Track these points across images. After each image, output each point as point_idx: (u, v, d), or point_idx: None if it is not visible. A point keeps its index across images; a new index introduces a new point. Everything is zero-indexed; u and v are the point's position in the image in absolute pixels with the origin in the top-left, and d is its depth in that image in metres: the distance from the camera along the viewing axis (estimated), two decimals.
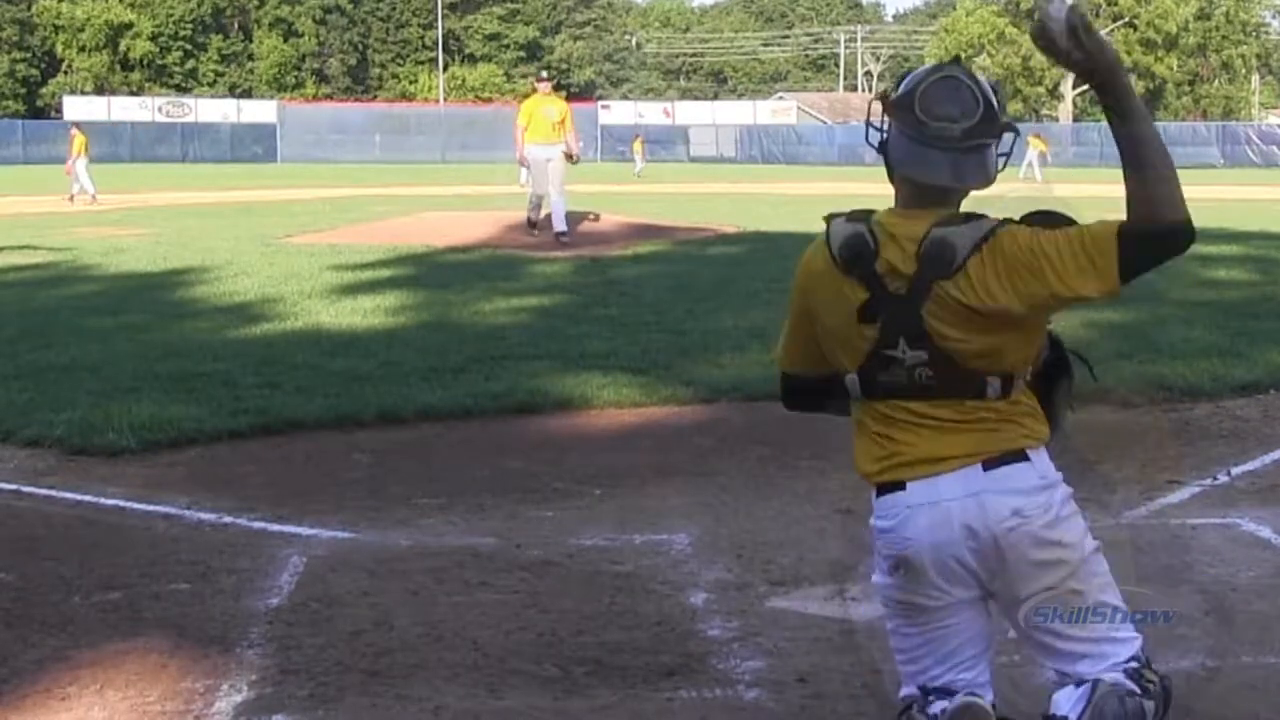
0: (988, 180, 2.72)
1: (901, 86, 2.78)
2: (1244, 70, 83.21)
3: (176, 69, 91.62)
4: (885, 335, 2.70)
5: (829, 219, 2.82)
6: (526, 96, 17.98)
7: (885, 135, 2.81)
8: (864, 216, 2.76)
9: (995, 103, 2.71)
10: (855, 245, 2.72)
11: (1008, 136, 2.73)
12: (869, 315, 2.71)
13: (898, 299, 2.68)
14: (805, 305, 2.85)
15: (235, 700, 3.41)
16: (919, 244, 2.67)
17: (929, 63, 3.35)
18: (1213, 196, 30.32)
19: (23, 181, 39.70)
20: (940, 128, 2.68)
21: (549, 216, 16.54)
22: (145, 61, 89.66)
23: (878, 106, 2.81)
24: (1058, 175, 39.47)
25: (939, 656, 2.76)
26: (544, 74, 18.25)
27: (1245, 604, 4.09)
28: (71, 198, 28.14)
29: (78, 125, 32.25)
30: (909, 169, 2.72)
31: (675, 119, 78.03)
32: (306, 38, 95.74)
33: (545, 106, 16.51)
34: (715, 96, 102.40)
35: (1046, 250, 2.60)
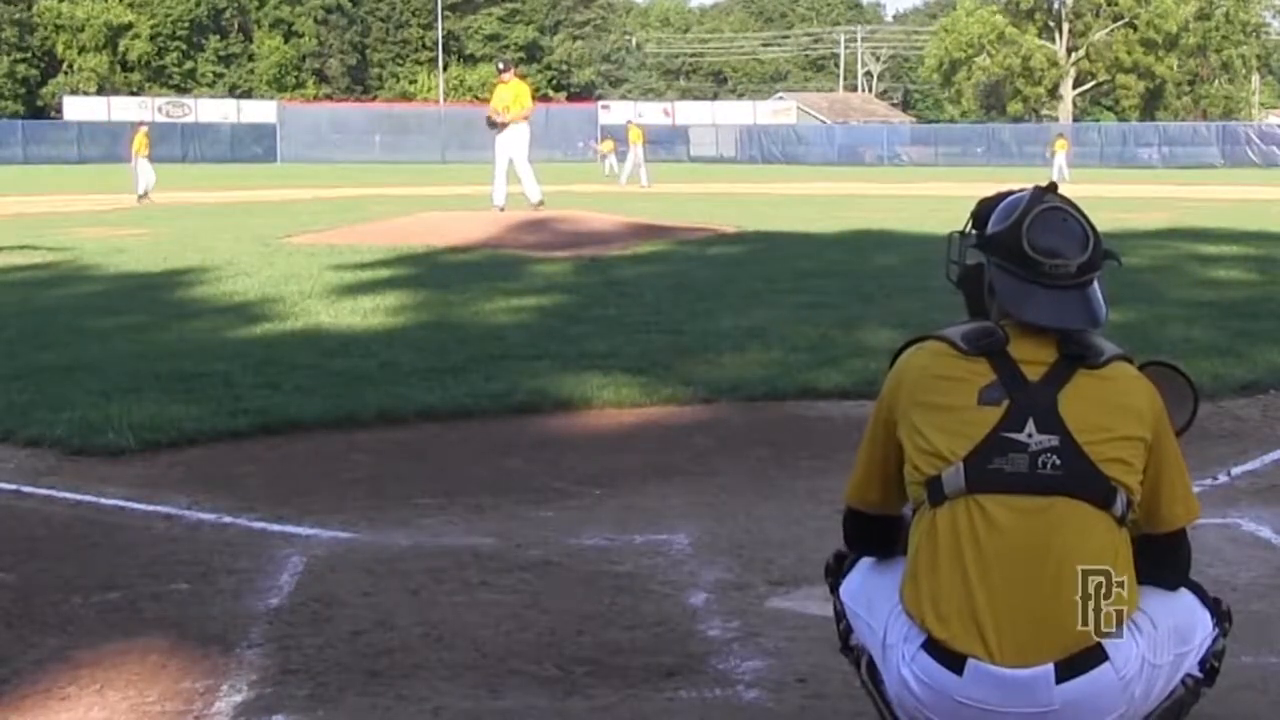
0: (1102, 319, 2.56)
1: (995, 220, 2.62)
2: (1244, 70, 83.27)
3: (175, 69, 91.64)
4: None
5: (915, 341, 2.67)
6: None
7: (963, 267, 2.71)
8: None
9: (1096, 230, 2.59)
10: (984, 330, 2.57)
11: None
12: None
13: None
14: (892, 416, 2.62)
15: (235, 700, 3.41)
16: (1058, 340, 2.53)
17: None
18: (1213, 196, 30.32)
19: (23, 181, 39.69)
20: (1055, 266, 2.51)
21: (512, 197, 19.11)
22: (144, 62, 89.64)
23: (959, 236, 2.71)
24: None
25: None
26: (500, 64, 21.28)
27: (1245, 604, 4.08)
28: (145, 195, 28.10)
29: (144, 124, 32.57)
30: (1023, 313, 2.54)
31: (675, 119, 78.05)
32: (306, 38, 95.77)
33: (503, 93, 19.31)
34: (715, 96, 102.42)
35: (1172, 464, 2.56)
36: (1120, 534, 2.49)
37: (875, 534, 2.75)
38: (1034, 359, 2.52)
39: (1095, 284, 2.58)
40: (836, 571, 2.86)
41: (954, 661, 2.41)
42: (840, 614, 2.81)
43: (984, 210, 2.70)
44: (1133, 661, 2.45)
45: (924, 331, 2.72)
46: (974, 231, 2.72)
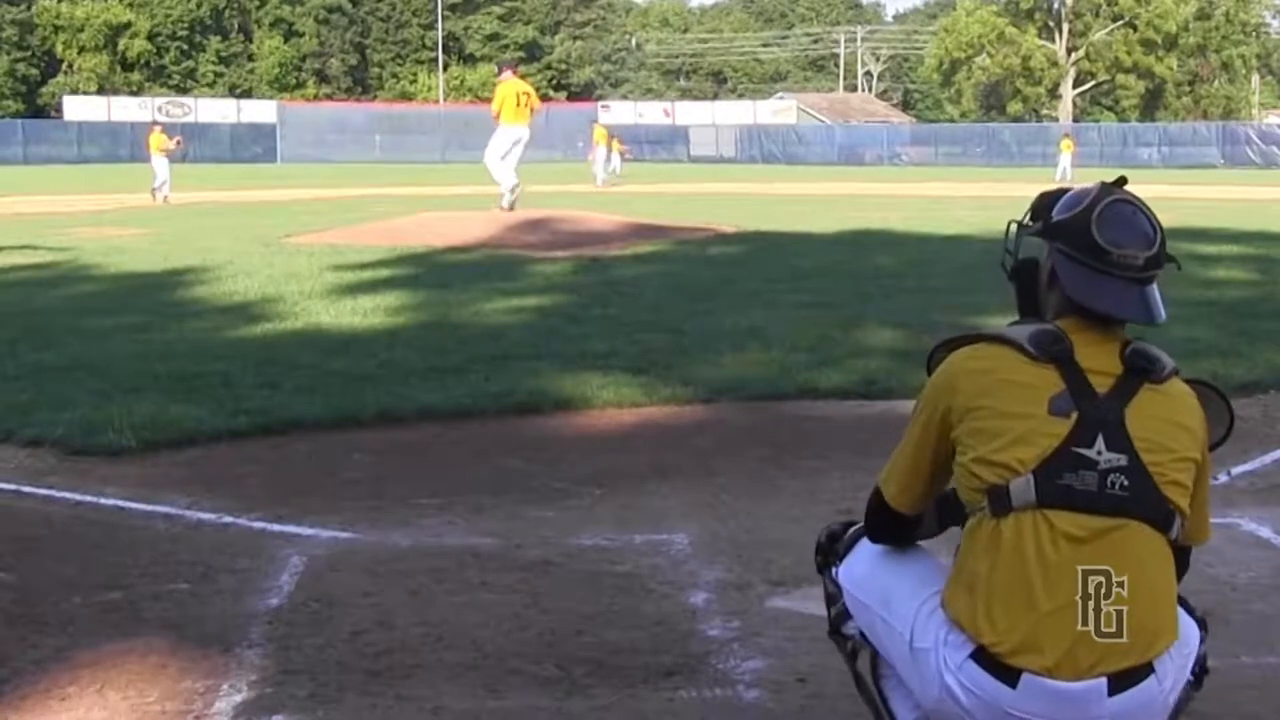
0: (1161, 317, 2.53)
1: (1061, 208, 2.58)
2: (1244, 70, 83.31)
3: (174, 69, 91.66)
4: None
5: (966, 340, 2.60)
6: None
7: (1018, 260, 2.68)
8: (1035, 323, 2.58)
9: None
10: (1052, 336, 2.51)
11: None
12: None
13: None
14: (949, 419, 2.53)
15: (235, 700, 3.41)
16: (1120, 351, 2.50)
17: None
18: (1213, 196, 30.35)
19: (23, 181, 39.69)
20: (1124, 256, 2.48)
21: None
22: (144, 61, 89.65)
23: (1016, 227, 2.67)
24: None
25: None
26: (497, 66, 21.11)
27: (1245, 604, 4.09)
28: (164, 197, 28.15)
29: (159, 124, 32.46)
30: (1089, 300, 2.50)
31: (675, 119, 78.04)
32: (307, 38, 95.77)
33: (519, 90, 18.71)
34: (715, 96, 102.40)
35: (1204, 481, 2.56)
36: (1170, 555, 2.49)
37: (908, 531, 2.71)
38: (1101, 369, 2.48)
39: (1156, 283, 2.56)
40: (829, 551, 2.83)
41: (1008, 674, 2.38)
42: (835, 597, 2.78)
43: (1045, 202, 2.66)
44: (1171, 673, 2.47)
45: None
46: (1033, 222, 2.68)
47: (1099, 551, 2.41)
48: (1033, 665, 2.38)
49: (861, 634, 2.76)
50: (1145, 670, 2.42)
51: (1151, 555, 2.45)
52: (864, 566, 2.74)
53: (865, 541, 2.77)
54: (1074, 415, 2.43)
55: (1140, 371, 2.50)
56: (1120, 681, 2.39)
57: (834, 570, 2.82)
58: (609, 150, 41.89)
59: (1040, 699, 2.38)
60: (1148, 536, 2.44)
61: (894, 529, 2.72)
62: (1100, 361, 2.49)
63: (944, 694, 2.47)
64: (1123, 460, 2.41)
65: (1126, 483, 2.41)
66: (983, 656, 2.41)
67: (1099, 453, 2.41)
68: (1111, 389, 2.47)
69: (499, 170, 18.81)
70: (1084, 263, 2.51)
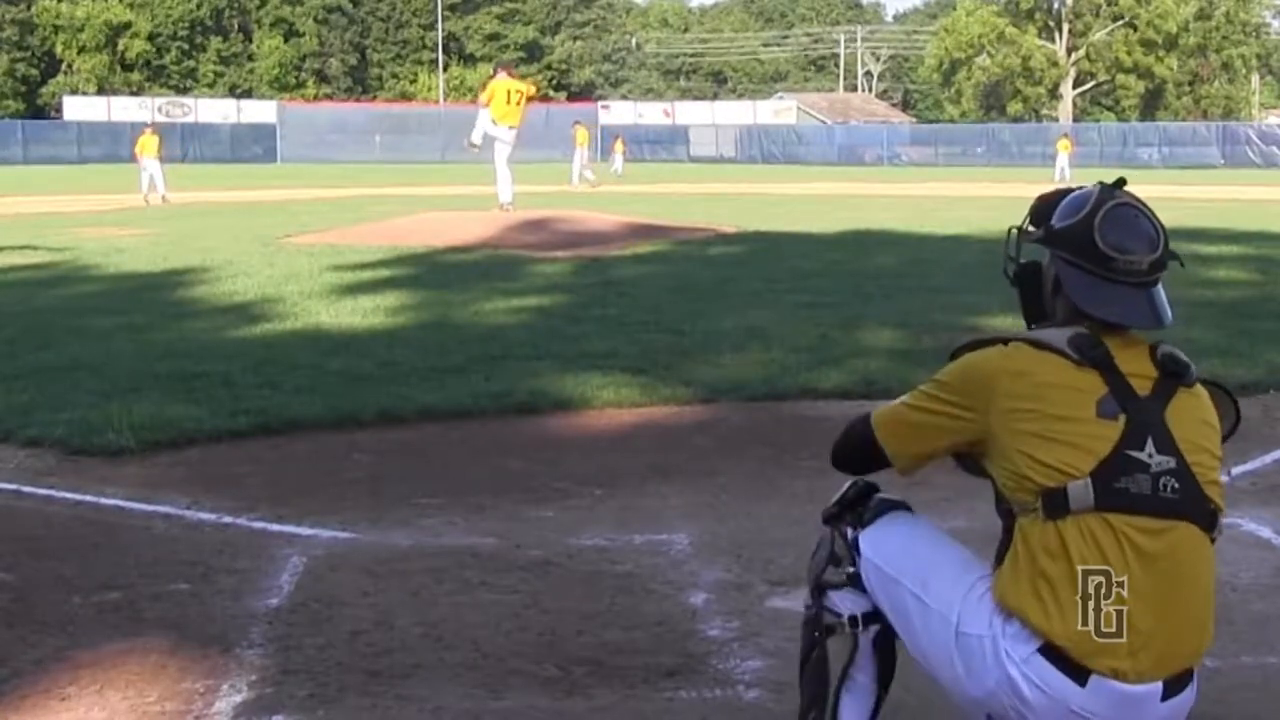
0: (1168, 320, 2.54)
1: (1062, 214, 2.57)
2: (1244, 70, 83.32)
3: (174, 68, 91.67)
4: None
5: (998, 341, 2.58)
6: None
7: (1020, 265, 2.69)
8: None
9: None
10: (1089, 340, 2.50)
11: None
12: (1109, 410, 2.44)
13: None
14: (981, 418, 2.53)
15: (235, 700, 3.41)
16: (1150, 354, 2.51)
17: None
18: (1213, 196, 30.36)
19: (23, 181, 39.68)
20: (1129, 262, 2.49)
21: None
22: (144, 61, 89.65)
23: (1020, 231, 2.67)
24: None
25: None
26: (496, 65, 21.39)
27: (1245, 604, 4.09)
28: (156, 198, 28.04)
29: (149, 126, 32.46)
30: (1096, 309, 2.51)
31: (675, 119, 78.04)
32: (307, 38, 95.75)
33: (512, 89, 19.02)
34: (715, 97, 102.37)
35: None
36: (1213, 556, 2.51)
37: (878, 469, 2.73)
38: (1139, 372, 2.49)
39: (1160, 284, 2.56)
40: (852, 507, 2.77)
41: (1078, 673, 2.40)
42: (839, 558, 2.75)
43: (1044, 206, 2.65)
44: (1196, 673, 2.51)
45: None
46: (1033, 228, 2.67)
47: (1157, 555, 2.42)
48: (1104, 667, 2.39)
49: (851, 619, 2.73)
50: (1190, 674, 2.46)
51: (1200, 556, 2.47)
52: (895, 542, 2.70)
53: (894, 516, 2.74)
54: (1122, 418, 2.44)
55: (1174, 375, 2.51)
56: (1172, 686, 2.43)
57: (848, 530, 2.77)
58: (591, 151, 41.79)
59: (1106, 700, 2.39)
60: (1195, 537, 2.46)
61: (869, 467, 2.74)
62: (1136, 365, 2.50)
63: (1002, 685, 2.45)
64: (1171, 462, 2.44)
65: (1176, 485, 2.43)
66: (1052, 653, 2.41)
67: (1150, 455, 2.43)
68: (1151, 391, 2.48)
69: (505, 175, 19.07)
70: (1089, 270, 2.52)
